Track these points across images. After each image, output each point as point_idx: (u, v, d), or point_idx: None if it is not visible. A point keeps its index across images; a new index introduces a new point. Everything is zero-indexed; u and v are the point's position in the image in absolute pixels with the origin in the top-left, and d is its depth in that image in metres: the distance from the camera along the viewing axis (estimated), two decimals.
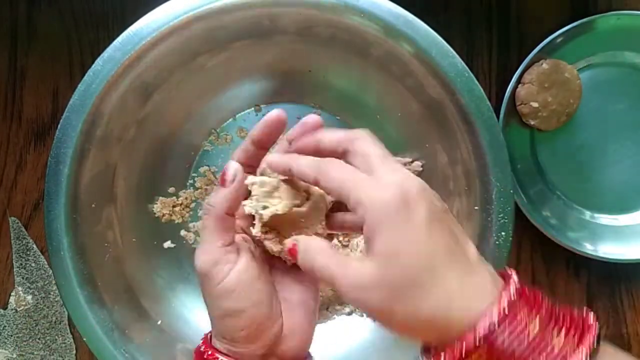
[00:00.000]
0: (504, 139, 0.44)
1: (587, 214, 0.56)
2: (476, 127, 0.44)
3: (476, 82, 0.44)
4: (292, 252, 0.32)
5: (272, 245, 0.34)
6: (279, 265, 0.35)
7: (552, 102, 0.53)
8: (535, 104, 0.52)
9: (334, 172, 0.31)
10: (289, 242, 0.33)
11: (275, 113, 0.35)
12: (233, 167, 0.33)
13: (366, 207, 0.29)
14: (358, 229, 0.35)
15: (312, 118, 0.35)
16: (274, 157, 0.34)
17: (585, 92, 0.54)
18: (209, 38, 0.46)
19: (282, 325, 0.33)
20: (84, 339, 0.44)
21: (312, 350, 0.52)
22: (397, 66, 0.47)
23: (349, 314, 0.53)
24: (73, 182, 0.45)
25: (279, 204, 0.33)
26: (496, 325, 0.27)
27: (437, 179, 0.50)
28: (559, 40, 0.53)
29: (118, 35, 0.44)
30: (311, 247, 0.31)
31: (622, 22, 0.53)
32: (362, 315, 0.52)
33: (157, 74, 0.47)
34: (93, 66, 0.44)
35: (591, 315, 0.29)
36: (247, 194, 0.34)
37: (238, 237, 0.35)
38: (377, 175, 0.30)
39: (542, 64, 0.52)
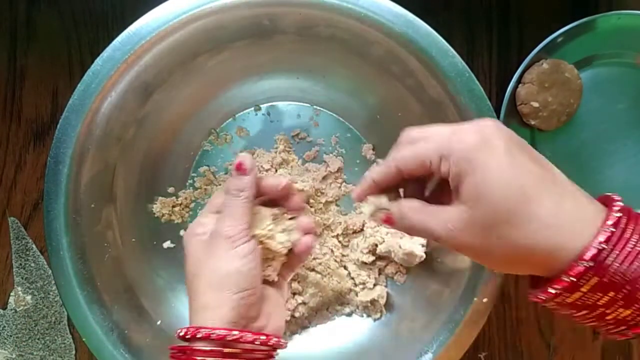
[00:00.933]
0: None
1: None
2: None
3: (476, 82, 0.44)
4: (389, 220, 0.34)
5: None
6: None
7: (552, 102, 0.52)
8: (535, 104, 0.52)
9: (408, 150, 0.32)
10: (381, 213, 0.34)
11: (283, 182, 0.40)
12: (249, 158, 0.38)
13: (449, 158, 0.30)
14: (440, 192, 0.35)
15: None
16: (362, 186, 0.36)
17: (585, 92, 0.54)
18: (209, 38, 0.46)
19: (260, 308, 0.38)
20: (84, 339, 0.44)
21: (313, 349, 0.52)
22: (397, 66, 0.47)
23: (349, 314, 0.53)
24: (73, 182, 0.45)
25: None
26: (604, 247, 0.27)
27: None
28: (559, 40, 0.53)
29: (118, 35, 0.44)
30: (404, 209, 0.33)
31: (623, 22, 0.53)
32: (362, 316, 0.52)
33: (157, 73, 0.47)
34: (93, 66, 0.44)
35: None
36: None
37: None
38: (451, 130, 0.31)
39: (542, 63, 0.52)
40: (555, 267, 0.28)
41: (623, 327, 0.28)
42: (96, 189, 0.47)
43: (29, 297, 0.55)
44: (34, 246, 0.56)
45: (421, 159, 0.31)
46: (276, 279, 0.41)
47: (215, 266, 0.36)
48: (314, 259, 0.52)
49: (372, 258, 0.52)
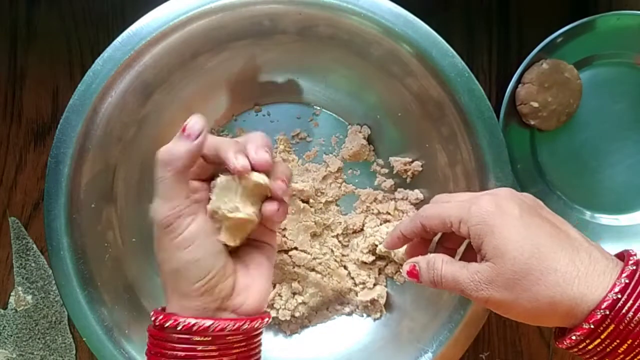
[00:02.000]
0: (504, 139, 0.44)
1: (587, 214, 0.56)
2: (476, 127, 0.44)
3: (476, 82, 0.44)
4: (413, 273, 0.37)
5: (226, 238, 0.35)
6: None
7: (552, 102, 0.53)
8: (535, 104, 0.52)
9: (432, 209, 0.37)
10: (407, 266, 0.38)
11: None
12: (201, 121, 0.33)
13: (466, 222, 0.34)
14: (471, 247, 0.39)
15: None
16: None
17: (585, 92, 0.54)
18: (209, 38, 0.46)
19: (234, 282, 0.35)
20: (84, 339, 0.44)
21: (313, 349, 0.52)
22: (397, 66, 0.47)
23: (349, 314, 0.53)
24: (73, 182, 0.45)
25: (246, 209, 0.35)
26: (619, 296, 0.29)
27: (437, 179, 0.50)
28: (559, 40, 0.53)
29: (118, 35, 0.44)
30: (434, 261, 0.36)
31: (623, 22, 0.53)
32: (362, 315, 0.53)
33: (157, 73, 0.47)
34: (93, 66, 0.44)
35: None
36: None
37: (193, 188, 0.36)
38: (471, 196, 0.36)
39: (542, 64, 0.52)
40: (577, 317, 0.31)
41: None
42: (96, 189, 0.47)
43: (29, 297, 0.56)
44: (34, 246, 0.56)
45: (442, 219, 0.36)
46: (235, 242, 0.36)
47: (167, 260, 0.34)
48: (314, 259, 0.52)
49: (372, 258, 0.52)
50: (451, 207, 0.36)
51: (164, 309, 0.35)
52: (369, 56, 0.48)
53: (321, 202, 0.53)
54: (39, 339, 0.55)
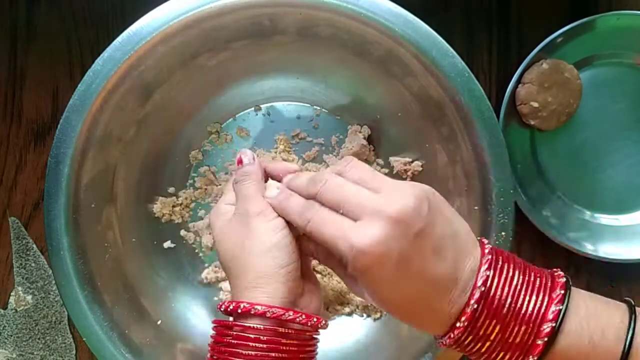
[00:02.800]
0: (504, 139, 0.44)
1: (587, 214, 0.56)
2: (476, 127, 0.44)
3: (476, 82, 0.44)
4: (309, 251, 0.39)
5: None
6: None
7: (552, 102, 0.53)
8: (535, 104, 0.52)
9: (318, 224, 0.34)
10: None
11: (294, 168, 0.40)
12: (249, 152, 0.40)
13: (347, 264, 0.32)
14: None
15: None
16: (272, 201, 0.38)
17: (585, 92, 0.54)
18: (209, 38, 0.46)
19: (303, 284, 0.38)
20: (84, 339, 0.44)
21: None
22: (397, 66, 0.47)
23: (349, 314, 0.53)
24: (73, 182, 0.45)
25: None
26: (483, 288, 0.31)
27: (437, 179, 0.50)
28: (559, 40, 0.53)
29: (118, 35, 0.44)
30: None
31: (622, 22, 0.53)
32: (362, 316, 0.53)
33: (157, 74, 0.47)
34: (93, 66, 0.44)
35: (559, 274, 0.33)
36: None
37: None
38: (352, 227, 0.32)
39: (542, 64, 0.52)
40: (451, 322, 0.33)
41: None
42: (96, 189, 0.47)
43: (29, 297, 0.56)
44: (34, 246, 0.56)
45: (327, 244, 0.33)
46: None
47: (255, 244, 0.36)
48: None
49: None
50: (336, 237, 0.32)
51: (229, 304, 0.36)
52: (369, 56, 0.48)
53: None
54: (39, 339, 0.55)
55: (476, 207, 0.45)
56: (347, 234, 0.31)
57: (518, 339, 0.31)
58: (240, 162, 0.40)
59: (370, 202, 0.31)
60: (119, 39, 0.44)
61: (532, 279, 0.32)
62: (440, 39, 0.44)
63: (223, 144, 0.55)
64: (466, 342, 0.32)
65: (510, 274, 0.32)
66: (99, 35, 0.56)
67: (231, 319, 0.36)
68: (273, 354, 0.34)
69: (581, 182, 0.56)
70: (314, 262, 0.52)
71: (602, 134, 0.55)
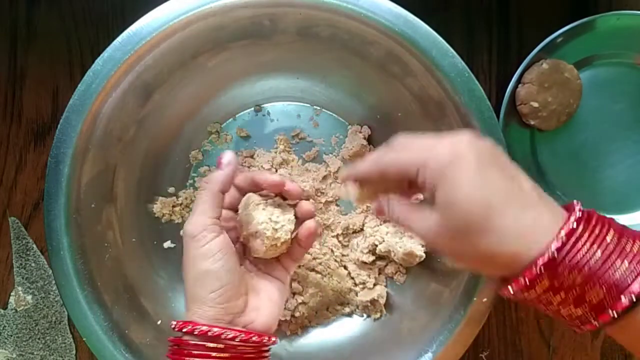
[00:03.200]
0: (504, 139, 0.44)
1: None
2: (476, 127, 0.44)
3: (476, 82, 0.44)
4: (380, 211, 0.38)
5: (258, 247, 0.40)
6: (251, 269, 0.42)
7: (552, 102, 0.53)
8: (535, 104, 0.52)
9: (390, 158, 0.36)
10: (376, 204, 0.38)
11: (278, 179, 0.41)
12: (229, 154, 0.39)
13: (423, 172, 0.33)
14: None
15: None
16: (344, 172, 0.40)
17: (585, 92, 0.54)
18: (209, 38, 0.46)
19: (246, 302, 0.39)
20: (84, 339, 0.44)
21: (313, 349, 0.52)
22: (397, 66, 0.47)
23: (349, 314, 0.53)
24: (73, 182, 0.45)
25: (286, 228, 0.40)
26: (555, 254, 0.30)
27: None
28: (559, 40, 0.53)
29: (118, 35, 0.44)
30: (390, 203, 0.37)
31: (622, 22, 0.53)
32: (362, 316, 0.53)
33: (157, 73, 0.47)
34: (93, 66, 0.44)
35: None
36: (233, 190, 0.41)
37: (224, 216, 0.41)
38: (430, 143, 0.34)
39: (542, 64, 0.52)
40: (517, 270, 0.32)
41: (578, 322, 0.32)
42: (96, 189, 0.47)
43: (29, 297, 0.56)
44: (34, 246, 0.56)
45: (400, 168, 0.35)
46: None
47: (187, 269, 0.37)
48: (314, 259, 0.52)
49: (372, 258, 0.52)
50: (409, 156, 0.35)
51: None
52: (369, 56, 0.48)
53: (321, 202, 0.53)
54: (39, 339, 0.55)
55: None
56: (422, 154, 0.34)
57: (595, 300, 0.30)
58: (218, 163, 0.39)
59: (434, 139, 0.34)
60: (119, 39, 0.44)
61: (626, 244, 0.31)
62: (440, 39, 0.44)
63: (223, 144, 0.55)
64: (536, 288, 0.31)
65: (604, 232, 0.31)
66: (99, 35, 0.56)
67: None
68: None
69: (581, 182, 0.56)
70: (314, 262, 0.52)
71: (602, 134, 0.55)
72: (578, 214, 0.32)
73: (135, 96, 0.47)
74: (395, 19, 0.44)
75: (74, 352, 0.55)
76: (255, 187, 0.42)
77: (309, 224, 0.41)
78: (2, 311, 0.56)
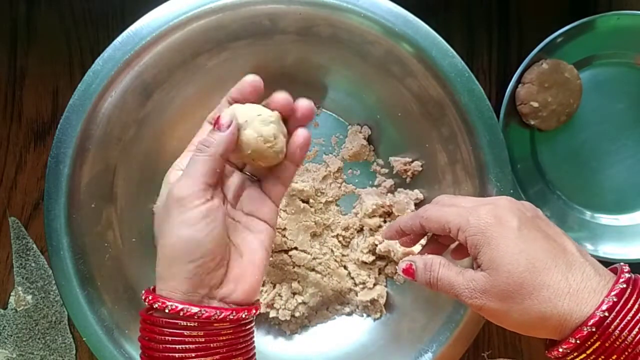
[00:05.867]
0: (504, 139, 0.44)
1: (587, 214, 0.56)
2: (476, 127, 0.44)
3: (476, 82, 0.44)
4: (409, 271, 0.38)
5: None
6: (235, 216, 0.38)
7: (552, 102, 0.53)
8: (535, 104, 0.52)
9: (432, 212, 0.37)
10: (403, 264, 0.38)
11: (250, 78, 0.38)
12: (229, 113, 0.36)
13: (464, 231, 0.34)
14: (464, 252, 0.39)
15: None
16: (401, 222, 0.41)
17: (585, 92, 0.54)
18: (209, 38, 0.46)
19: (225, 272, 0.35)
20: (84, 339, 0.44)
21: (313, 349, 0.52)
22: (397, 66, 0.47)
23: (349, 314, 0.53)
24: (73, 182, 0.45)
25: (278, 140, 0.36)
26: (606, 315, 0.30)
27: (437, 179, 0.50)
28: (559, 40, 0.53)
29: (118, 35, 0.44)
30: (431, 263, 0.36)
31: (622, 22, 0.53)
32: (362, 315, 0.53)
33: (157, 73, 0.47)
34: (93, 66, 0.44)
35: None
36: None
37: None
38: (469, 206, 0.36)
39: (542, 63, 0.52)
40: (566, 331, 0.32)
41: None
42: (96, 189, 0.47)
43: (29, 297, 0.56)
44: (34, 246, 0.56)
45: (442, 224, 0.36)
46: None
47: (167, 233, 0.34)
48: (314, 259, 0.52)
49: (372, 258, 0.52)
50: (451, 213, 0.36)
51: (154, 289, 0.35)
52: (369, 56, 0.48)
53: (321, 202, 0.53)
54: (39, 339, 0.55)
55: None
56: (463, 212, 0.35)
57: None
58: (216, 124, 0.35)
59: (476, 201, 0.37)
60: (119, 39, 0.44)
61: None
62: (440, 39, 0.44)
63: None
64: (587, 350, 0.31)
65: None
66: (99, 35, 0.56)
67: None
68: (178, 347, 0.33)
69: (581, 182, 0.56)
70: (314, 262, 0.52)
71: (602, 134, 0.55)
72: (627, 275, 0.32)
73: (135, 96, 0.47)
74: (395, 19, 0.44)
75: (74, 352, 0.55)
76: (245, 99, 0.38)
77: (302, 132, 0.37)
78: (2, 311, 0.56)
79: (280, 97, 0.37)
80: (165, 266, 0.34)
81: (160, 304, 0.33)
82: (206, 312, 0.33)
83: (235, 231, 0.37)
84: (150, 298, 0.34)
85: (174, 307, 0.33)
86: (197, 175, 0.34)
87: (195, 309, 0.33)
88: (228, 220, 0.37)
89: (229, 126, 0.35)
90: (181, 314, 0.33)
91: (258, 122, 0.35)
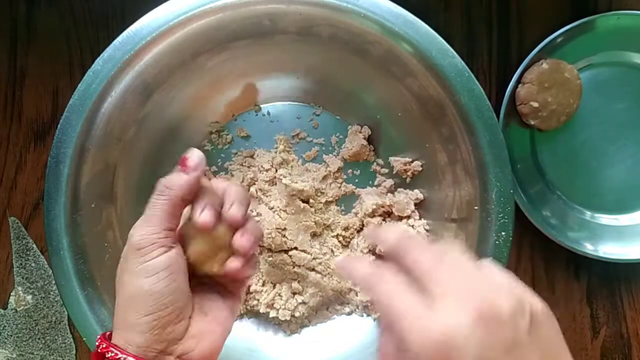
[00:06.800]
0: (504, 139, 0.44)
1: (587, 214, 0.56)
2: (476, 127, 0.44)
3: (476, 82, 0.44)
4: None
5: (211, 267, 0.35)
6: (203, 279, 0.36)
7: (552, 102, 0.53)
8: (535, 104, 0.52)
9: (382, 287, 0.28)
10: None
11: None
12: (197, 155, 0.33)
13: (407, 346, 0.26)
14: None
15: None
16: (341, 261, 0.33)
17: (585, 92, 0.54)
18: (209, 38, 0.46)
19: (187, 327, 0.33)
20: (84, 339, 0.44)
21: (313, 349, 0.52)
22: (397, 66, 0.47)
23: (349, 314, 0.53)
24: (73, 182, 0.45)
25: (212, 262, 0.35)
26: None
27: (437, 178, 0.50)
28: (559, 40, 0.53)
29: (118, 35, 0.44)
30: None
31: (622, 22, 0.53)
32: (362, 315, 0.53)
33: (157, 73, 0.47)
34: (93, 66, 0.44)
35: None
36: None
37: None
38: (428, 306, 0.26)
39: (542, 63, 0.52)
40: None
41: None
42: (96, 189, 0.47)
43: (29, 297, 0.56)
44: (34, 246, 0.56)
45: (384, 312, 0.28)
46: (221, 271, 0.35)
47: (126, 282, 0.32)
48: (314, 259, 0.52)
49: (372, 258, 0.52)
50: (401, 311, 0.26)
51: (110, 336, 0.33)
52: (369, 56, 0.48)
53: (321, 202, 0.53)
54: (39, 339, 0.55)
55: (476, 207, 0.45)
56: (418, 312, 0.26)
57: None
58: (183, 164, 0.33)
59: (459, 285, 0.26)
60: (119, 39, 0.44)
61: None
62: (440, 39, 0.44)
63: (223, 144, 0.55)
64: None
65: None
66: (99, 35, 0.56)
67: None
68: None
69: (581, 182, 0.56)
70: (314, 262, 0.52)
71: (602, 134, 0.55)
72: None
73: (135, 96, 0.47)
74: (395, 19, 0.44)
75: (74, 352, 0.55)
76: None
77: (233, 264, 0.35)
78: (2, 311, 0.56)
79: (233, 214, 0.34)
80: (121, 316, 0.32)
81: (112, 354, 0.31)
82: None
83: (202, 294, 0.36)
84: (103, 346, 0.32)
85: None
86: (157, 221, 0.32)
87: None
88: (197, 281, 0.36)
89: (195, 168, 0.33)
90: None
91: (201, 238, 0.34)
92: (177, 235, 0.34)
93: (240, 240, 0.34)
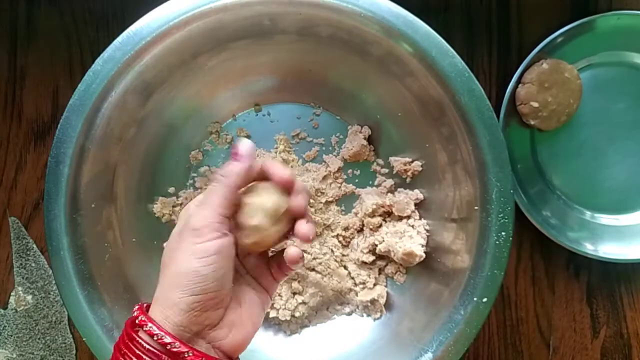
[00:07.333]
0: (504, 139, 0.44)
1: (587, 214, 0.56)
2: (476, 127, 0.44)
3: (476, 82, 0.44)
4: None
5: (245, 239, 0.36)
6: (241, 271, 0.38)
7: (552, 102, 0.53)
8: (535, 104, 0.52)
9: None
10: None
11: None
12: (247, 143, 0.35)
13: None
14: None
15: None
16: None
17: (585, 92, 0.54)
18: (209, 38, 0.46)
19: (222, 316, 0.34)
20: (84, 339, 0.44)
21: (313, 349, 0.52)
22: (397, 66, 0.47)
23: (349, 314, 0.53)
24: (73, 182, 0.45)
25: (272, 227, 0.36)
26: None
27: (437, 178, 0.50)
28: (559, 40, 0.53)
29: (118, 35, 0.44)
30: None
31: (622, 22, 0.53)
32: (362, 315, 0.53)
33: (157, 73, 0.47)
34: (93, 66, 0.44)
35: None
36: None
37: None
38: None
39: (542, 63, 0.52)
40: None
41: None
42: (96, 189, 0.47)
43: (29, 297, 0.56)
44: (34, 246, 0.56)
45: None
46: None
47: (177, 260, 0.33)
48: (314, 258, 0.52)
49: (372, 258, 0.52)
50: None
51: (148, 308, 0.34)
52: (369, 56, 0.48)
53: (321, 202, 0.53)
54: (39, 339, 0.55)
55: (476, 207, 0.45)
56: None
57: None
58: (235, 154, 0.35)
59: None
60: (119, 39, 0.44)
61: None
62: (440, 39, 0.44)
63: (223, 144, 0.55)
64: None
65: None
66: (99, 35, 0.56)
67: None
68: None
69: (581, 182, 0.56)
70: (314, 262, 0.52)
71: (602, 134, 0.55)
72: None
73: (135, 96, 0.47)
74: (395, 19, 0.44)
75: (74, 352, 0.55)
76: (258, 176, 0.37)
77: (293, 252, 0.37)
78: (2, 311, 0.56)
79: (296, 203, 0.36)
80: (164, 292, 0.33)
81: (149, 329, 0.32)
82: (191, 354, 0.32)
83: (239, 285, 0.37)
84: (142, 318, 0.33)
85: (162, 338, 0.32)
86: (214, 205, 0.34)
87: (183, 349, 0.32)
88: (237, 270, 0.37)
89: (247, 156, 0.35)
90: (168, 347, 0.31)
91: (261, 212, 0.35)
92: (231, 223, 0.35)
93: (304, 227, 0.36)
